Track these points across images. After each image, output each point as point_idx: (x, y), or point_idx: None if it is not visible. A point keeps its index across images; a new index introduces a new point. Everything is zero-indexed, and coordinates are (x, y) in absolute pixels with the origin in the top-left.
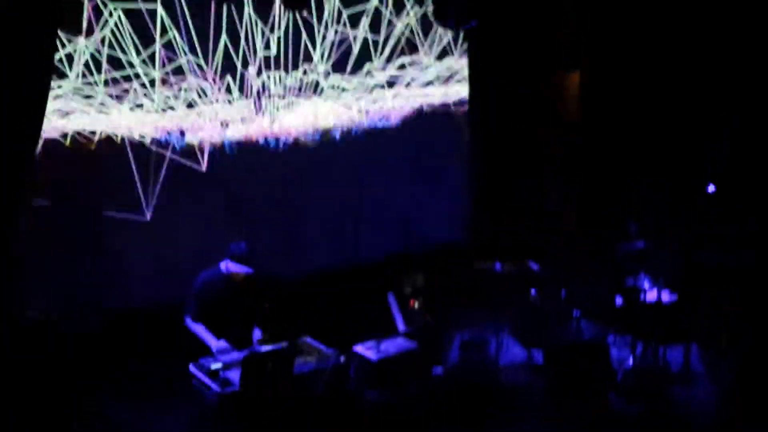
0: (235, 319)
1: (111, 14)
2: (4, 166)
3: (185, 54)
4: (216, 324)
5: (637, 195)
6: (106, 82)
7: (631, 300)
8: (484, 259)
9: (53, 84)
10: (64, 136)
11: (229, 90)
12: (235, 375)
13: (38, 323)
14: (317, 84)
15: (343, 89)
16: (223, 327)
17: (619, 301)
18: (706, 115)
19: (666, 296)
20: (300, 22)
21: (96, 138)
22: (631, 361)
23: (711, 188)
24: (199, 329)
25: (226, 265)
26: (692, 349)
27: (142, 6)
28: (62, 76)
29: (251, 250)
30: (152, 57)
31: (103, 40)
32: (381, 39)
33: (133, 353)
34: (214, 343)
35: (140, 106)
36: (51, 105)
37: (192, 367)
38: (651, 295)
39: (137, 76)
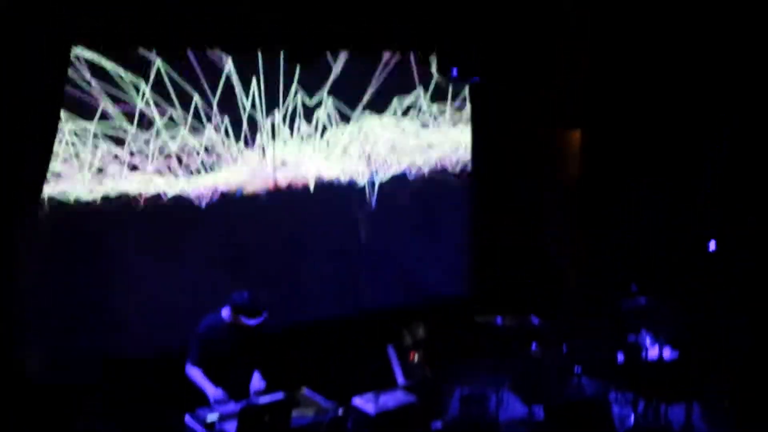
0: (234, 367)
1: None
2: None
3: (184, 105)
4: (215, 370)
5: (639, 251)
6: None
7: (633, 357)
8: (485, 312)
9: None
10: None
11: (228, 135)
12: (231, 427)
13: (37, 375)
14: (320, 136)
15: (346, 142)
16: (221, 374)
17: (620, 357)
18: (705, 178)
19: (668, 353)
20: (305, 76)
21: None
22: (632, 419)
23: (712, 246)
24: (198, 376)
25: (227, 313)
26: (694, 408)
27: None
28: None
29: (254, 299)
30: (155, 104)
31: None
32: (386, 94)
33: (128, 403)
34: (212, 391)
35: (143, 155)
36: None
37: (188, 418)
38: (653, 353)
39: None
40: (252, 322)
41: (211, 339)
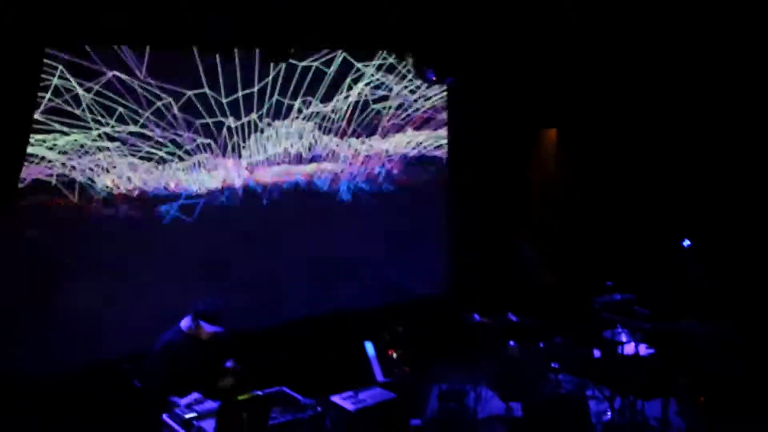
0: (203, 375)
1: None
2: None
3: (160, 107)
4: (184, 383)
5: (614, 248)
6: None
7: (609, 353)
8: (463, 310)
9: None
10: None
11: (205, 140)
12: (209, 425)
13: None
14: (297, 136)
15: (321, 142)
16: (191, 384)
17: (597, 353)
18: (681, 172)
19: (643, 350)
20: (280, 75)
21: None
22: (609, 415)
23: (686, 242)
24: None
25: (188, 323)
26: (670, 404)
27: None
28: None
29: (219, 307)
30: (130, 109)
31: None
32: (361, 93)
33: (104, 405)
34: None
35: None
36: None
37: (166, 418)
38: (629, 349)
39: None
40: (209, 328)
41: (172, 355)
